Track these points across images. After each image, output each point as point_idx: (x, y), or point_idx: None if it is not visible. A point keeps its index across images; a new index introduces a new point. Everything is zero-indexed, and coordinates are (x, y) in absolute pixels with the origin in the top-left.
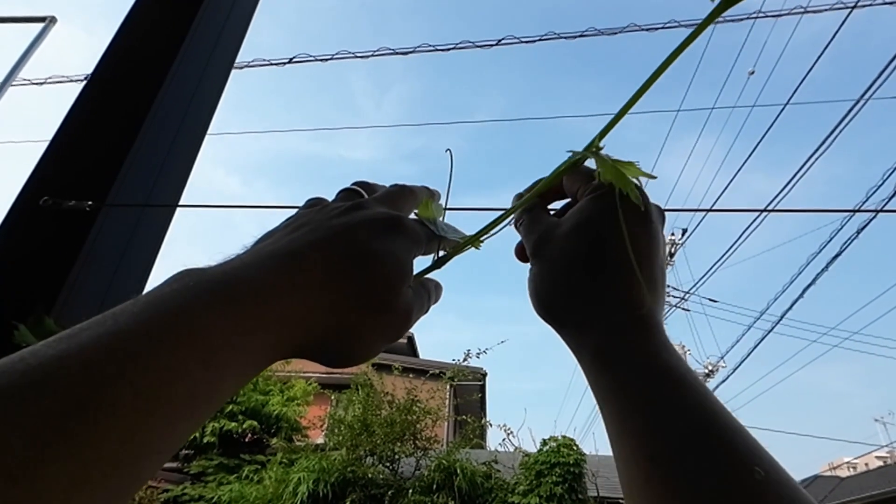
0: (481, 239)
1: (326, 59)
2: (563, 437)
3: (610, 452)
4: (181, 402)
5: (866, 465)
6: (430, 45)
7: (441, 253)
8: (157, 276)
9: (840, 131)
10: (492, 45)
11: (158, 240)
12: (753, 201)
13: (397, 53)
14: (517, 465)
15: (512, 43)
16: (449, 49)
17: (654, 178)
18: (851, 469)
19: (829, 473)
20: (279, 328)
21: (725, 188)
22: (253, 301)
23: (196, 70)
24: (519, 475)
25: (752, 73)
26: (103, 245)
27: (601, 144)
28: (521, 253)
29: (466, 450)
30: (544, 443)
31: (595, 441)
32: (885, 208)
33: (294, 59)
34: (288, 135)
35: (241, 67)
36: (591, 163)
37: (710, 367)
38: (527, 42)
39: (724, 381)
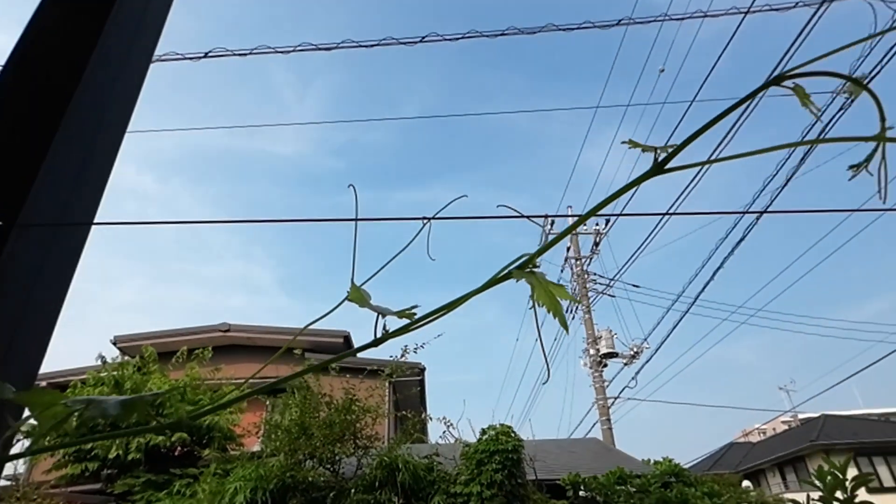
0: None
1: (245, 54)
2: (502, 425)
3: (546, 437)
4: None
5: (774, 429)
6: (352, 41)
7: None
8: (75, 293)
9: (741, 124)
10: (415, 43)
11: (75, 258)
12: (672, 191)
13: (319, 49)
14: (458, 456)
15: (436, 40)
16: (372, 46)
17: (579, 301)
18: (761, 434)
19: (742, 440)
20: None
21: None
22: None
23: (111, 71)
24: (460, 465)
25: (663, 70)
26: (15, 267)
27: (538, 263)
28: None
29: (407, 445)
30: (483, 432)
31: (532, 427)
32: (770, 209)
33: (210, 54)
34: (205, 129)
35: (152, 61)
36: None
37: (635, 349)
38: (450, 40)
39: (647, 362)
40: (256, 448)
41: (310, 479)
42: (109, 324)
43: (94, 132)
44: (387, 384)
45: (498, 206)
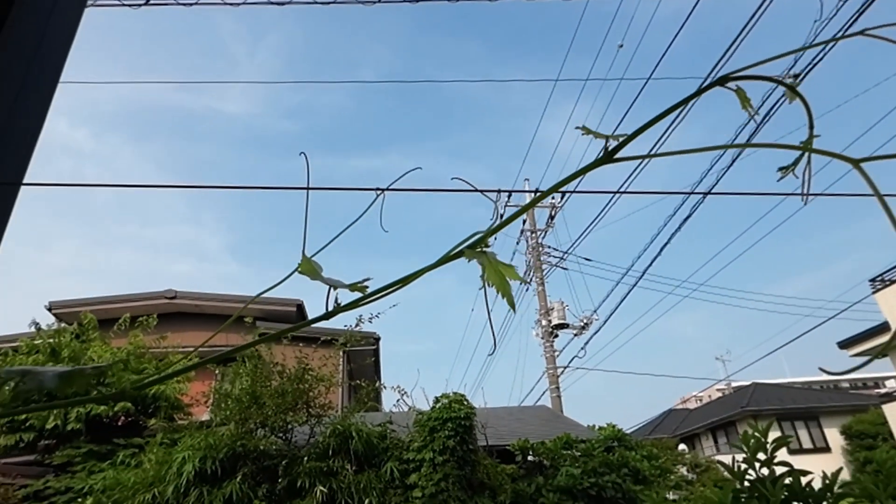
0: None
1: (189, 4)
2: (455, 393)
3: (498, 404)
4: None
5: (710, 396)
6: None
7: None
8: (5, 256)
9: (692, 105)
10: (373, 2)
11: (3, 219)
12: (625, 168)
13: (272, 3)
14: (412, 424)
15: (395, 1)
16: (328, 3)
17: (527, 282)
18: (698, 401)
19: (680, 407)
20: None
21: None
22: None
23: (40, 17)
24: (413, 433)
25: (622, 46)
26: None
27: (489, 242)
28: None
29: (361, 413)
30: (437, 400)
31: (483, 396)
32: (715, 191)
33: (150, 1)
34: (146, 83)
35: (87, 6)
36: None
37: (584, 321)
38: (410, 1)
39: (596, 333)
40: (206, 417)
41: (261, 447)
42: (43, 289)
43: (21, 84)
44: (341, 353)
45: (452, 179)
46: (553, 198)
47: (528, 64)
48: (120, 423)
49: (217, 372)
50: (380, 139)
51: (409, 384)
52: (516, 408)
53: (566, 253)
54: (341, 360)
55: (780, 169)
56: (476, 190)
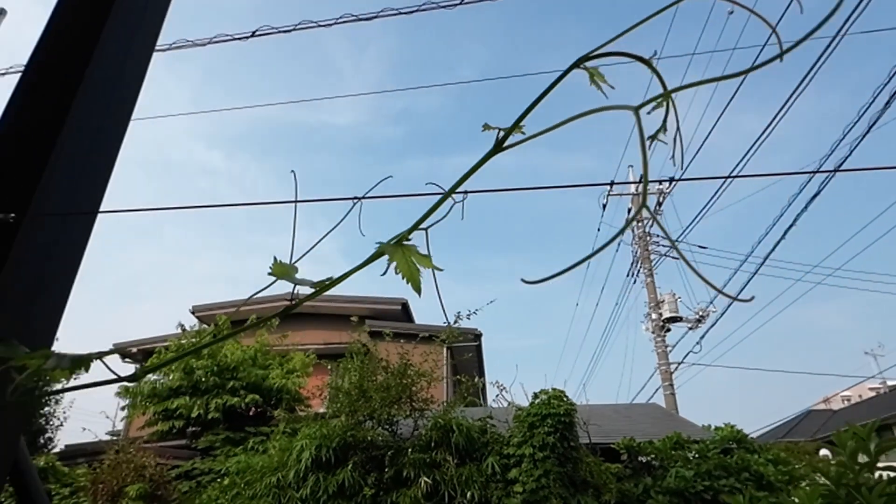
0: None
1: (289, 30)
2: (554, 389)
3: (600, 402)
4: None
5: (860, 396)
6: (392, 10)
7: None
8: (158, 265)
9: (823, 62)
10: (455, 5)
11: (83, 243)
12: (744, 142)
13: (360, 20)
14: (511, 419)
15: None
16: (412, 12)
17: (441, 269)
18: (845, 401)
19: (822, 407)
20: None
21: (710, 131)
22: None
23: (114, 65)
24: (513, 428)
25: (732, 12)
26: (28, 253)
27: (410, 239)
28: None
29: (461, 408)
30: (536, 396)
31: (585, 392)
32: (843, 168)
33: (257, 33)
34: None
35: (203, 44)
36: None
37: (700, 313)
38: None
39: (713, 325)
40: (322, 410)
41: (369, 438)
42: (191, 294)
43: (98, 126)
44: (444, 349)
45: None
46: (660, 183)
47: (631, 42)
48: (251, 414)
49: (331, 368)
50: (480, 136)
51: (516, 380)
52: (623, 405)
53: (676, 240)
54: (444, 356)
55: (650, 137)
56: (573, 186)
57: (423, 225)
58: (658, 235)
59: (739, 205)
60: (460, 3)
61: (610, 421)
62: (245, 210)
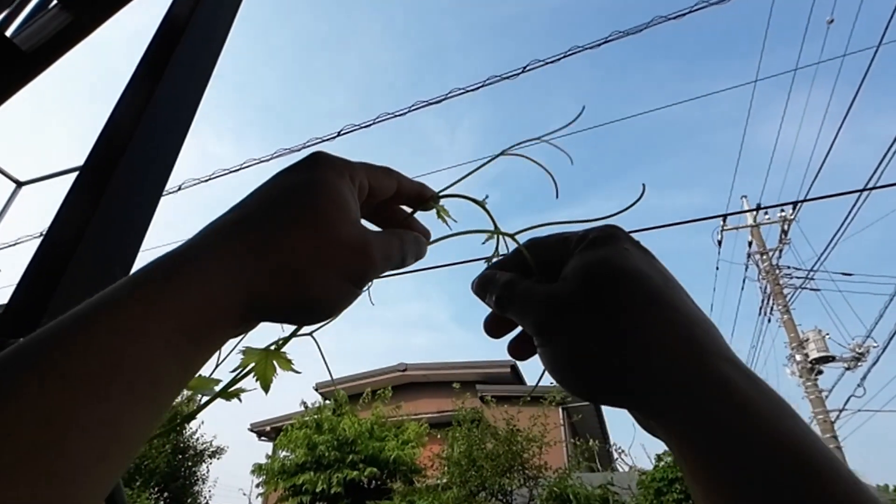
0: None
1: (404, 113)
2: None
3: None
4: (98, 373)
5: None
6: (496, 76)
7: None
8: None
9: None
10: (557, 60)
11: None
12: (879, 148)
13: (467, 91)
14: (634, 485)
15: (576, 52)
16: (517, 74)
17: (299, 372)
18: None
19: None
20: (203, 285)
21: (832, 145)
22: (165, 269)
23: (143, 165)
24: (638, 495)
25: (832, 21)
26: None
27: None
28: (494, 327)
29: (578, 474)
30: (659, 458)
31: None
32: None
33: (378, 119)
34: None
35: (331, 138)
36: None
37: (858, 349)
38: (591, 48)
39: (876, 362)
40: (445, 480)
41: None
42: (316, 371)
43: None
44: (559, 411)
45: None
46: (782, 210)
47: (726, 69)
48: (372, 487)
49: (448, 436)
50: (578, 188)
51: (634, 439)
52: None
53: (813, 270)
54: (561, 417)
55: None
56: (680, 223)
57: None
58: (789, 266)
59: (887, 220)
60: (562, 57)
61: None
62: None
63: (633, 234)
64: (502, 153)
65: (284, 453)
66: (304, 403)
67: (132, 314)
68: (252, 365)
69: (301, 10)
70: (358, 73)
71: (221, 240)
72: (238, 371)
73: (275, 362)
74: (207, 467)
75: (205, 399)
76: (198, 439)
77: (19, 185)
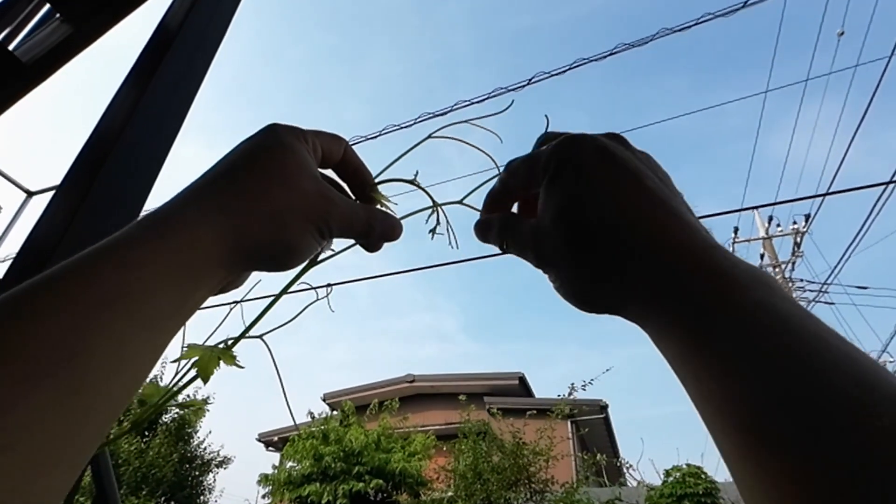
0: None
1: (411, 124)
2: (689, 465)
3: None
4: (105, 300)
5: None
6: (502, 88)
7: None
8: (300, 356)
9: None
10: (564, 72)
11: None
12: (893, 159)
13: (474, 103)
14: (643, 501)
15: (583, 63)
16: (523, 86)
17: (242, 367)
18: None
19: None
20: (193, 228)
21: (844, 156)
22: (157, 218)
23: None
24: None
25: (842, 33)
26: None
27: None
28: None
29: (585, 489)
30: (668, 473)
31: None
32: None
33: (385, 131)
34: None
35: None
36: None
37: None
38: (598, 59)
39: None
40: (451, 493)
41: None
42: (325, 381)
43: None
44: (568, 424)
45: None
46: (794, 222)
47: (736, 81)
48: (378, 499)
49: (455, 448)
50: None
51: (656, 453)
52: None
53: (826, 283)
54: (569, 430)
55: (430, 231)
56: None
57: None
58: (802, 279)
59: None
60: (569, 69)
61: None
62: (372, 299)
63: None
64: (429, 136)
65: (291, 464)
66: (310, 414)
67: (134, 253)
68: (195, 359)
69: (314, 24)
70: (369, 86)
71: (203, 194)
72: (178, 360)
73: (220, 358)
74: (214, 477)
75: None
76: (205, 449)
77: (30, 195)
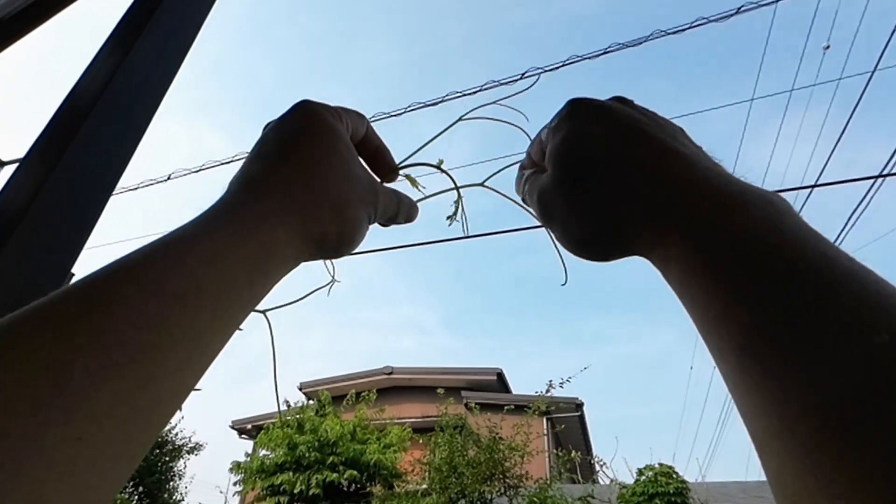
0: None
1: (400, 114)
2: (661, 464)
3: (721, 479)
4: (186, 292)
5: None
6: (494, 81)
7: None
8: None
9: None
10: (556, 68)
11: None
12: (870, 171)
13: (464, 95)
14: (615, 498)
15: (576, 61)
16: (515, 80)
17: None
18: None
19: None
20: (268, 223)
21: (826, 164)
22: (234, 210)
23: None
24: None
25: (828, 47)
26: None
27: None
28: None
29: (559, 485)
30: (640, 472)
31: (701, 468)
32: None
33: (373, 119)
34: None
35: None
36: None
37: None
38: (591, 58)
39: None
40: (425, 486)
41: None
42: (301, 370)
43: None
44: (543, 421)
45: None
46: None
47: (723, 88)
48: (351, 490)
49: (430, 441)
50: None
51: (634, 451)
52: (753, 482)
53: None
54: (545, 427)
55: (448, 217)
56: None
57: None
58: None
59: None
60: (562, 66)
61: (737, 501)
62: (351, 289)
63: None
64: (460, 119)
65: (264, 452)
66: (286, 402)
67: (213, 249)
68: None
69: (306, 6)
70: (359, 72)
71: (272, 186)
72: None
73: None
74: (185, 463)
75: None
76: (176, 434)
77: (2, 164)
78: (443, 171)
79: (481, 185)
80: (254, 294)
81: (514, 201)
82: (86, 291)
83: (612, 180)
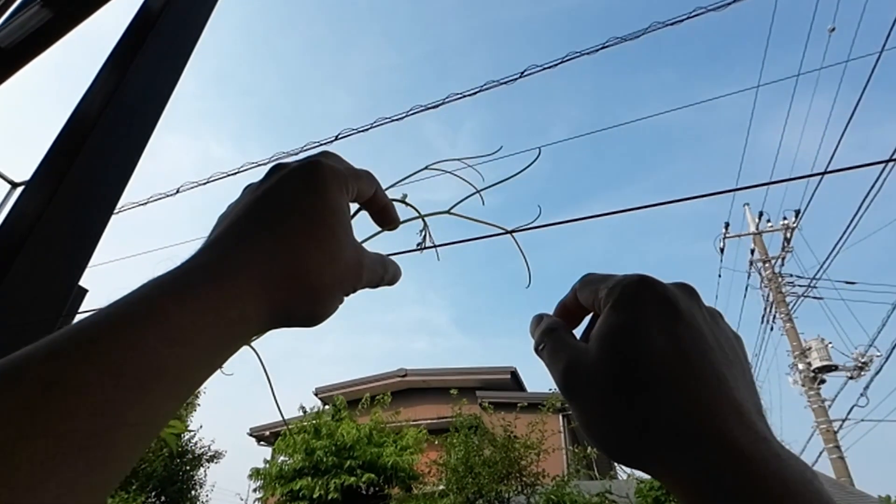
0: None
1: (402, 117)
2: None
3: None
4: (147, 375)
5: None
6: (494, 81)
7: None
8: (291, 351)
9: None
10: (555, 66)
11: None
12: (882, 154)
13: (465, 96)
14: (633, 493)
15: (574, 57)
16: (515, 79)
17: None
18: None
19: None
20: (239, 302)
21: (836, 148)
22: (205, 283)
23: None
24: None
25: (833, 29)
26: None
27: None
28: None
29: (576, 482)
30: None
31: None
32: None
33: (375, 124)
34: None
35: (329, 142)
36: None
37: (861, 359)
38: (589, 53)
39: (879, 372)
40: (437, 487)
41: None
42: (317, 375)
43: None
44: (560, 418)
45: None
46: (785, 218)
47: (730, 74)
48: (370, 493)
49: (446, 442)
50: (580, 193)
51: None
52: None
53: (815, 278)
54: (561, 424)
55: (415, 245)
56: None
57: None
58: (792, 275)
59: (890, 228)
60: (560, 62)
61: None
62: (362, 291)
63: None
64: (426, 167)
65: (282, 458)
66: (302, 408)
67: (178, 324)
68: None
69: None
70: (361, 77)
71: (250, 258)
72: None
73: None
74: (205, 471)
75: None
76: (196, 443)
77: (14, 185)
78: (407, 203)
79: (447, 212)
80: (214, 367)
81: (481, 221)
82: (38, 374)
83: (654, 402)
